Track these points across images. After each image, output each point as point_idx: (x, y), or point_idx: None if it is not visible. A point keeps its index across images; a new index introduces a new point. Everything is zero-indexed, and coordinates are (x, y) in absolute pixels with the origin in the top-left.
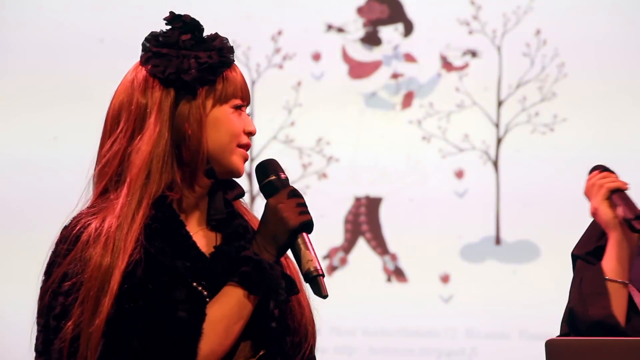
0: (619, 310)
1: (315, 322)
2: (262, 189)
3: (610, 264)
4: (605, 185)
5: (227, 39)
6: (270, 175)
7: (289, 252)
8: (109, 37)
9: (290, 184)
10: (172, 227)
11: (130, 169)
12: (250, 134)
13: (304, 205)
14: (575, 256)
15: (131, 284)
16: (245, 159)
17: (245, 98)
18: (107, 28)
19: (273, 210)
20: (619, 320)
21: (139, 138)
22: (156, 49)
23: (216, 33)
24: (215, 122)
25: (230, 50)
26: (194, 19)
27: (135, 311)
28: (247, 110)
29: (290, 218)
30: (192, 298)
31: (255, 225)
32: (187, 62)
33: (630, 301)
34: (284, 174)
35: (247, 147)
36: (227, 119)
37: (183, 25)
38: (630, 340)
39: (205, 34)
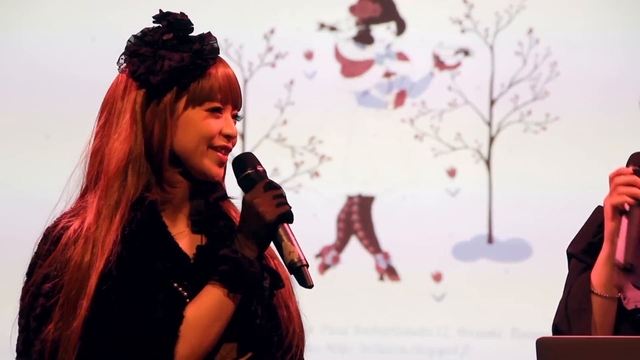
0: (604, 326)
1: (303, 327)
2: (240, 183)
3: (600, 277)
4: (625, 196)
5: (214, 39)
6: (247, 169)
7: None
8: (101, 35)
9: (268, 177)
10: (154, 228)
11: (106, 170)
12: (229, 136)
13: (281, 196)
14: (570, 254)
15: (108, 285)
16: (221, 163)
17: (226, 100)
18: (99, 27)
19: (249, 205)
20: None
21: (115, 137)
22: (135, 47)
23: (202, 34)
24: (185, 124)
25: (212, 51)
26: (180, 19)
27: (111, 313)
28: (240, 112)
29: (266, 212)
30: (171, 299)
31: None
32: (160, 63)
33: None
34: (261, 166)
35: (223, 149)
36: (199, 122)
37: (167, 25)
38: (621, 338)
39: (196, 32)
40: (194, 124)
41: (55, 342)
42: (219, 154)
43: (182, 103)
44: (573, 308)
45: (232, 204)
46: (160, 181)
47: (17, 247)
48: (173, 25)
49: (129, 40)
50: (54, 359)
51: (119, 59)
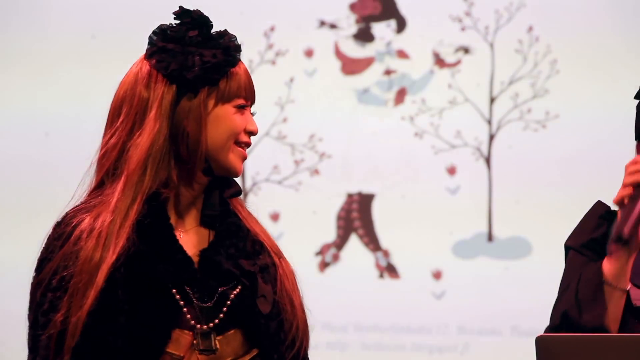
0: (614, 317)
1: (308, 322)
2: None
3: (612, 266)
4: (630, 188)
5: (235, 36)
6: None
7: (286, 255)
8: (101, 33)
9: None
10: (161, 229)
11: (128, 164)
12: (252, 133)
13: None
14: (568, 247)
15: (115, 280)
16: (244, 158)
17: (249, 97)
18: (99, 24)
19: None
20: (611, 333)
21: (138, 133)
22: (162, 43)
23: (224, 30)
24: (215, 121)
25: (237, 48)
26: (203, 15)
27: (115, 308)
28: (252, 108)
29: None
30: (165, 307)
31: (249, 223)
32: (192, 59)
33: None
34: None
35: (246, 145)
36: (228, 118)
37: (191, 21)
38: (621, 336)
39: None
40: (223, 120)
41: (63, 332)
42: (242, 150)
43: (212, 100)
44: (585, 296)
45: (241, 200)
46: (183, 177)
47: (17, 243)
48: (197, 22)
49: (152, 36)
50: (60, 349)
51: (148, 54)
